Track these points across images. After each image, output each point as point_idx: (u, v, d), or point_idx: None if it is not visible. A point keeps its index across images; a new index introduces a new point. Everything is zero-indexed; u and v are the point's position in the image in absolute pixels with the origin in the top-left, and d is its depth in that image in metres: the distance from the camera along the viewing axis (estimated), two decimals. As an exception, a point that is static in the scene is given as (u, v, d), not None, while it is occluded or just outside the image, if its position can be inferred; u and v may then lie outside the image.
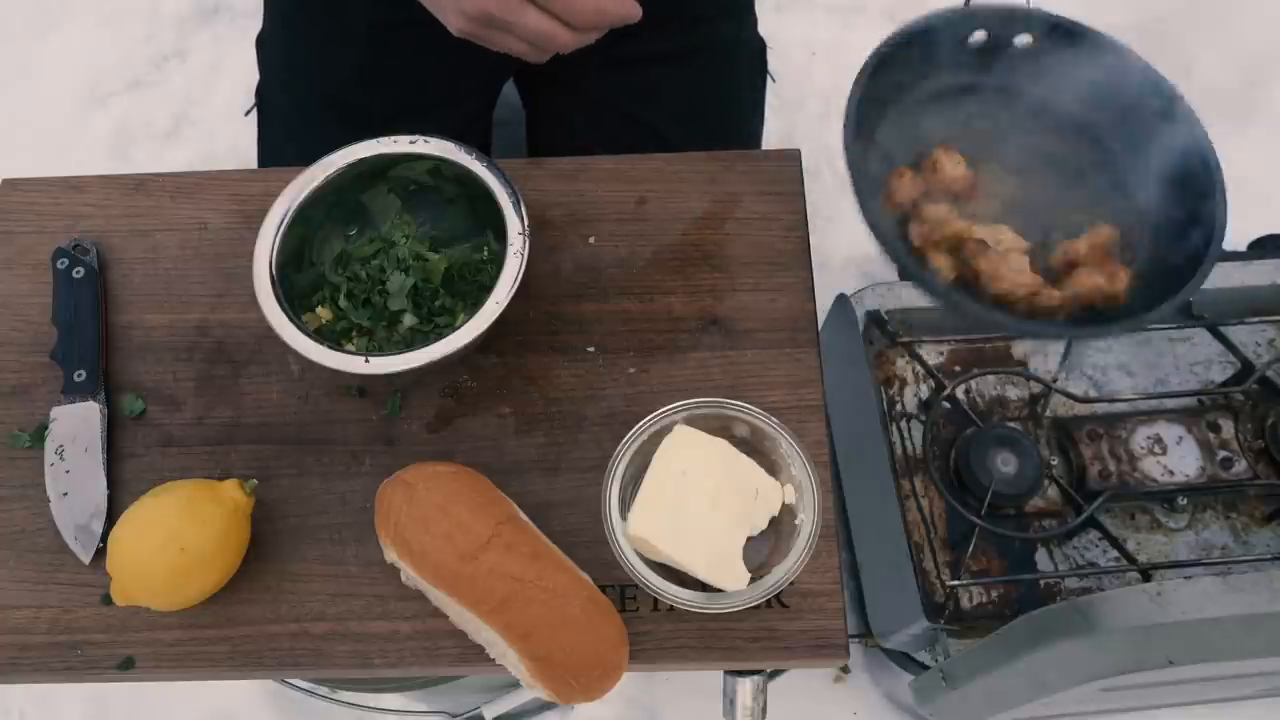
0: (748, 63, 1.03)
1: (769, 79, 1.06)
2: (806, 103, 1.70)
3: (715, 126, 1.00)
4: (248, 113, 1.01)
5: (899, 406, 1.14)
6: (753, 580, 0.61)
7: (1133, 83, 0.65)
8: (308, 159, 0.72)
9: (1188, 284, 0.60)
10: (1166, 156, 0.65)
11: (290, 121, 0.97)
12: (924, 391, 1.14)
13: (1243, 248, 1.24)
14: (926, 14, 0.64)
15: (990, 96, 0.68)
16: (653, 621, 0.65)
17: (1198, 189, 0.63)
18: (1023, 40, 0.65)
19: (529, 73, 1.03)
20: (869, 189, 0.62)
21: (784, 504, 0.64)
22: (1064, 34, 0.66)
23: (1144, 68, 0.65)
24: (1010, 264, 0.62)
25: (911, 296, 1.14)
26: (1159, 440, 1.05)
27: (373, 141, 0.72)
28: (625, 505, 0.63)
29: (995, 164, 0.66)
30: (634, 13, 0.60)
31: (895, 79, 0.66)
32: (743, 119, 1.04)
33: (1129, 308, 0.63)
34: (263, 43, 0.99)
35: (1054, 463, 1.06)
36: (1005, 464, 1.04)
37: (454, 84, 0.96)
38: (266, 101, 0.99)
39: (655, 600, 0.65)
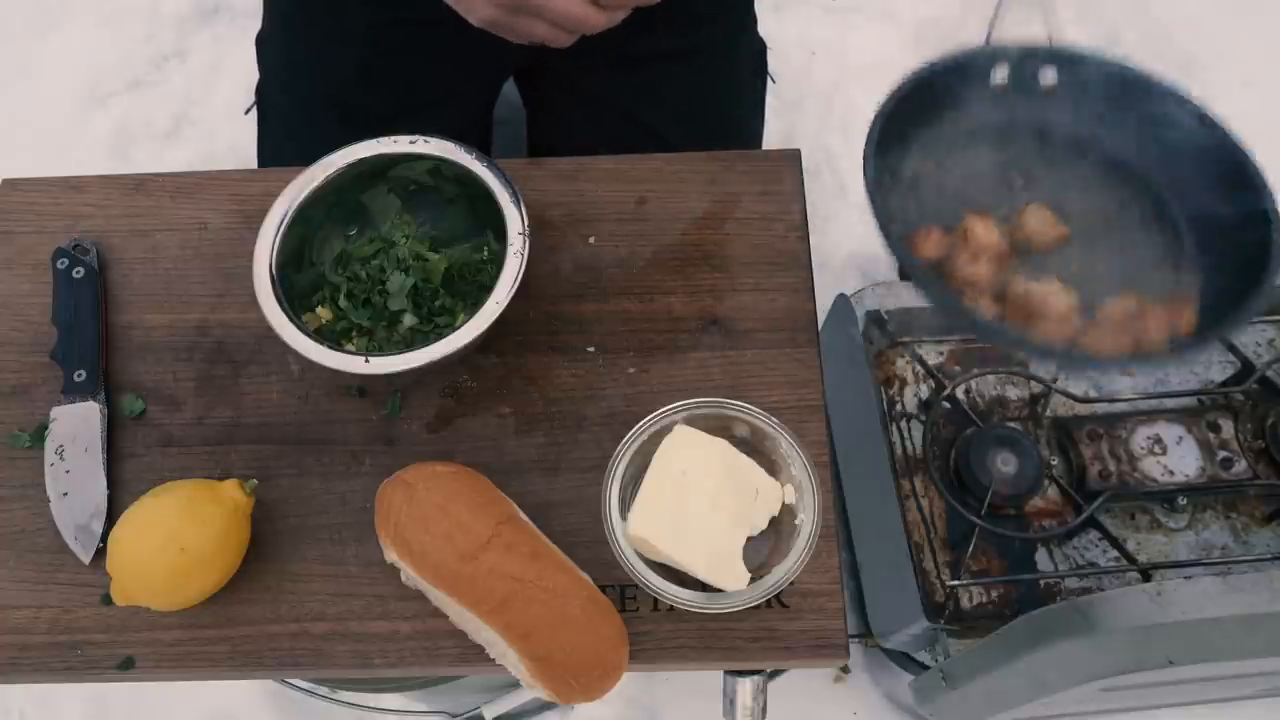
0: (748, 63, 1.03)
1: (769, 80, 1.06)
2: (806, 103, 1.70)
3: (715, 127, 1.00)
4: (247, 111, 1.01)
5: (899, 406, 1.14)
6: (753, 580, 0.61)
7: (1173, 115, 0.62)
8: (308, 159, 0.72)
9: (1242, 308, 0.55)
10: (1214, 188, 0.61)
11: (290, 121, 0.97)
12: (924, 391, 1.14)
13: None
14: (949, 51, 0.60)
15: (1021, 136, 0.64)
16: (653, 621, 0.65)
17: (1247, 208, 0.59)
18: (1047, 77, 0.62)
19: (529, 72, 1.03)
20: (893, 222, 0.57)
21: (784, 504, 0.64)
22: (1087, 67, 0.62)
23: (1178, 96, 0.61)
24: (1054, 305, 0.58)
25: (912, 296, 1.14)
26: (1159, 440, 1.05)
27: (373, 141, 0.72)
28: (625, 505, 0.63)
29: (1031, 215, 0.61)
30: None
31: (918, 116, 0.61)
32: (743, 119, 1.04)
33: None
34: (262, 42, 0.99)
35: (1054, 463, 1.06)
36: (1005, 464, 1.04)
37: (454, 83, 0.96)
38: (266, 101, 0.99)
39: (655, 600, 0.65)
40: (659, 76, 0.96)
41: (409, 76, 0.93)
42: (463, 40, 0.89)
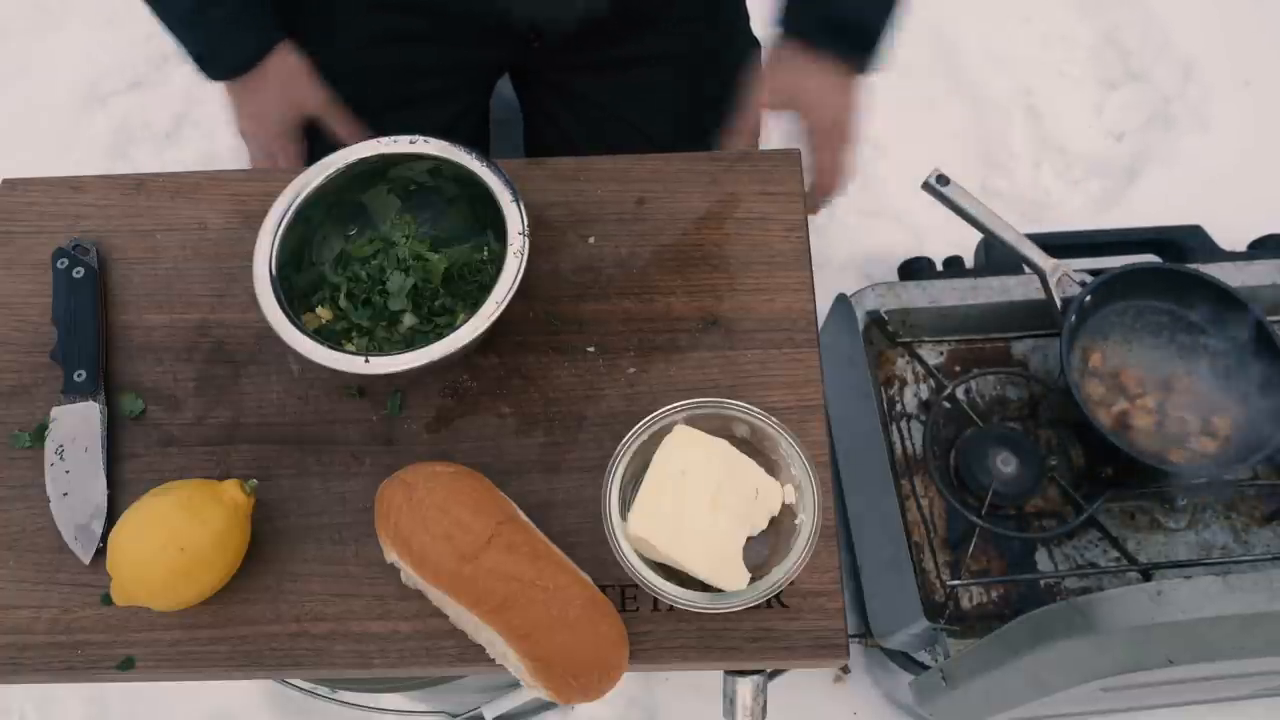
0: (741, 63, 1.03)
1: (764, 78, 1.06)
2: (806, 102, 1.70)
3: (709, 127, 1.00)
4: None
5: (899, 406, 1.14)
6: (753, 580, 0.61)
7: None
8: (304, 159, 0.72)
9: None
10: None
11: None
12: (924, 391, 1.14)
13: (1242, 248, 1.24)
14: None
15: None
16: (653, 621, 0.65)
17: None
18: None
19: (522, 73, 1.03)
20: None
21: (784, 504, 0.64)
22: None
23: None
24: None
25: (911, 296, 1.14)
26: (1159, 440, 1.06)
27: (373, 141, 0.72)
28: (625, 505, 0.63)
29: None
30: None
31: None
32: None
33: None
34: None
35: (1054, 463, 1.06)
36: (1005, 464, 1.04)
37: (446, 76, 0.95)
38: None
39: (655, 600, 0.65)
40: (648, 79, 0.96)
41: (399, 70, 0.92)
42: (448, 31, 0.89)
